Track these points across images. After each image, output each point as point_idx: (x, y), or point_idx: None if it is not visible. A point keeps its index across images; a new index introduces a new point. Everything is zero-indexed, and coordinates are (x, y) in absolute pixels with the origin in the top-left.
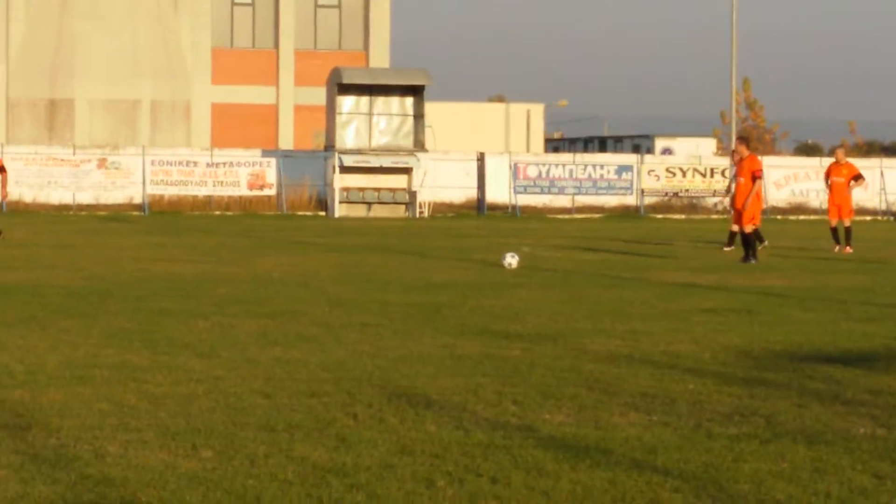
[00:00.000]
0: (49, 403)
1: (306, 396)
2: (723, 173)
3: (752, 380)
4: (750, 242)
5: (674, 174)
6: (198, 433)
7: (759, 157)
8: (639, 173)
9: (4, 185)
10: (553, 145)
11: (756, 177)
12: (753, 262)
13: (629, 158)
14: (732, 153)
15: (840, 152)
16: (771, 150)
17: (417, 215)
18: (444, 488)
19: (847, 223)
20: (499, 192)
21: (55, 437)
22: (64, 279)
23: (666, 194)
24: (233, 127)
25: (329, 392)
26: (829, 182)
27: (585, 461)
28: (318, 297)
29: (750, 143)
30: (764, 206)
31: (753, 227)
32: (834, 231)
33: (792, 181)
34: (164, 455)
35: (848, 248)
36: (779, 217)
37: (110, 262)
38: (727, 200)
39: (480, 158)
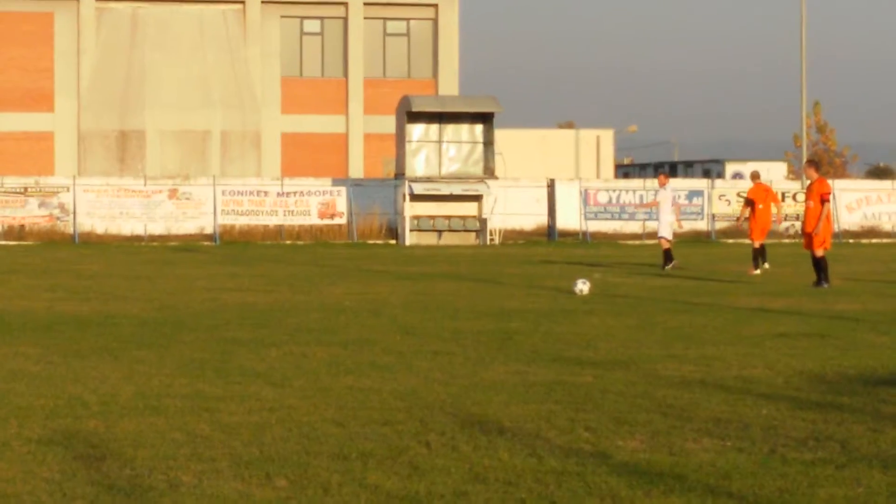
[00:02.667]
0: (123, 434)
1: (379, 425)
2: (793, 197)
3: (827, 404)
4: (822, 266)
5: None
6: (271, 462)
7: (829, 181)
8: (709, 198)
9: None
10: (623, 171)
11: (825, 200)
12: (826, 286)
13: (700, 183)
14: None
15: None
16: (842, 173)
17: (488, 242)
18: None
19: None
20: (569, 219)
21: (129, 467)
22: (136, 310)
23: (737, 219)
24: (303, 156)
25: (402, 420)
26: None
27: (659, 487)
28: (390, 326)
29: (819, 166)
30: (835, 229)
31: (825, 250)
32: None
33: (864, 204)
34: (237, 484)
35: None
36: (850, 241)
37: (182, 293)
38: (744, 225)
39: (550, 185)
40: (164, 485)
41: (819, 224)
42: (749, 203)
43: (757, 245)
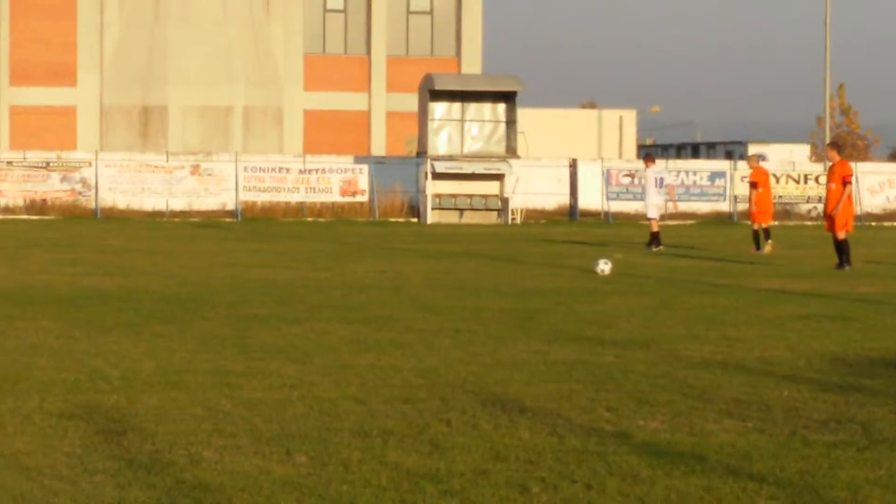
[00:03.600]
0: (144, 409)
1: (400, 402)
2: (816, 179)
3: (848, 386)
4: (844, 249)
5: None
6: (292, 439)
7: (852, 164)
8: (732, 180)
9: None
10: (646, 152)
11: (847, 182)
12: (848, 268)
13: (722, 165)
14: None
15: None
16: (865, 156)
17: (510, 222)
18: (538, 494)
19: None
20: (591, 199)
21: (150, 442)
22: (158, 285)
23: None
24: (325, 133)
25: (423, 398)
26: None
27: (680, 468)
28: (411, 304)
29: (841, 149)
30: (857, 212)
31: (846, 233)
32: None
33: (886, 187)
34: (258, 460)
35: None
36: (873, 223)
37: (204, 269)
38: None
39: (573, 165)
40: (185, 460)
41: (839, 206)
42: (753, 185)
43: (757, 227)
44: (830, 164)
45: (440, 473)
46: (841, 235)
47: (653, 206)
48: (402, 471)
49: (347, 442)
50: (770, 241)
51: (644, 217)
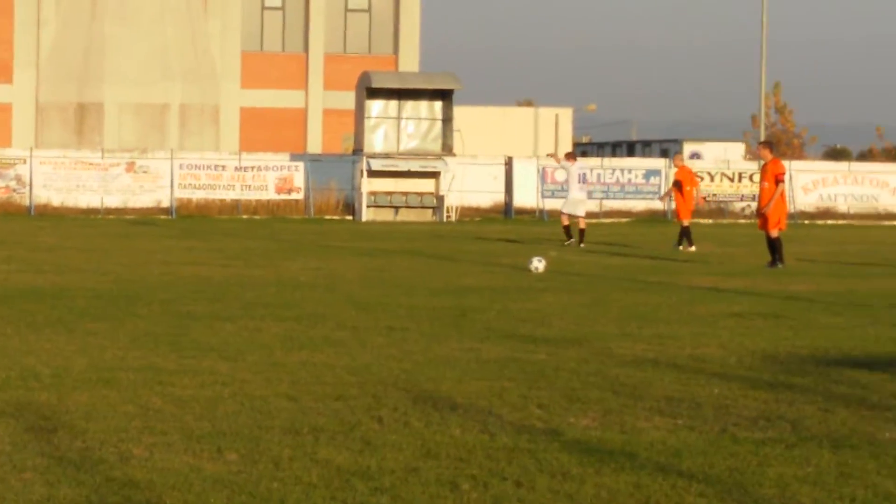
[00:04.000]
0: (75, 406)
1: (332, 400)
2: (751, 178)
3: (779, 384)
4: (776, 247)
5: (702, 178)
6: (223, 436)
7: (786, 162)
8: (667, 178)
9: None
10: (581, 149)
11: (779, 180)
12: (780, 266)
13: (657, 163)
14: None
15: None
16: (799, 154)
17: (445, 219)
18: (468, 492)
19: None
20: (527, 197)
21: (81, 439)
22: (91, 282)
23: (661, 197)
24: (261, 131)
25: (354, 395)
26: None
27: (610, 465)
28: (345, 301)
29: (773, 147)
30: (791, 210)
31: (779, 230)
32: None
33: (820, 186)
34: (189, 458)
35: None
36: (806, 222)
37: (138, 266)
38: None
39: (508, 163)
40: (115, 457)
41: (771, 203)
42: (677, 185)
43: (686, 224)
44: (763, 162)
45: (371, 471)
46: (773, 233)
47: (579, 203)
48: (333, 468)
49: (278, 439)
50: (693, 246)
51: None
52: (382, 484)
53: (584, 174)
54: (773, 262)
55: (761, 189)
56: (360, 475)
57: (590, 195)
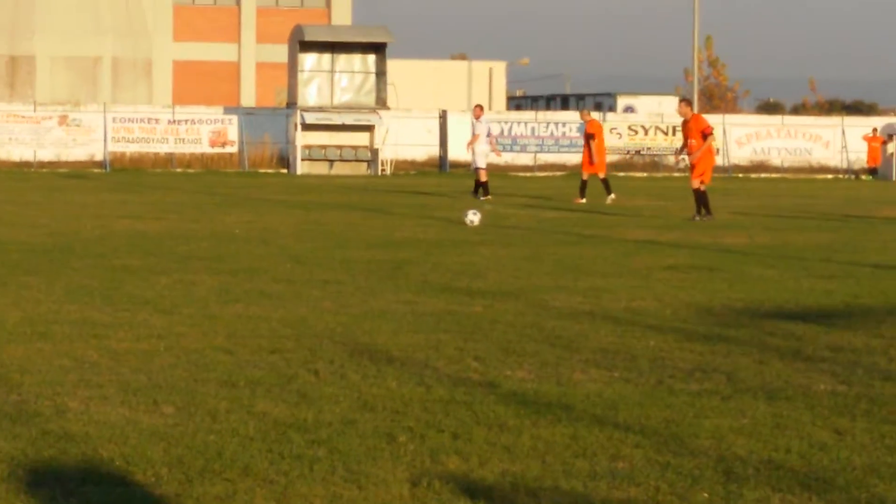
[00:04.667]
0: (9, 359)
1: (268, 353)
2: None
3: (714, 336)
4: (700, 199)
5: (636, 132)
6: (159, 389)
7: (720, 116)
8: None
9: None
10: (515, 103)
11: (706, 134)
12: (699, 219)
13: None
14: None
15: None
16: (733, 108)
17: (380, 173)
18: (405, 444)
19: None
20: (461, 150)
21: (16, 392)
22: (25, 236)
23: (628, 152)
24: (194, 84)
25: (290, 348)
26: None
27: (547, 417)
28: (280, 254)
29: (691, 103)
30: (724, 163)
31: (702, 183)
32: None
33: (753, 139)
34: (125, 411)
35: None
36: (740, 175)
37: (72, 220)
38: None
39: (442, 116)
40: (51, 410)
41: (698, 153)
42: (590, 137)
43: (587, 177)
44: (684, 119)
45: (307, 423)
46: (695, 185)
47: (482, 154)
48: (270, 421)
49: (215, 392)
50: (613, 194)
51: (518, 168)
52: (319, 436)
53: (490, 128)
54: (696, 214)
55: (689, 147)
56: (296, 428)
57: (524, 149)
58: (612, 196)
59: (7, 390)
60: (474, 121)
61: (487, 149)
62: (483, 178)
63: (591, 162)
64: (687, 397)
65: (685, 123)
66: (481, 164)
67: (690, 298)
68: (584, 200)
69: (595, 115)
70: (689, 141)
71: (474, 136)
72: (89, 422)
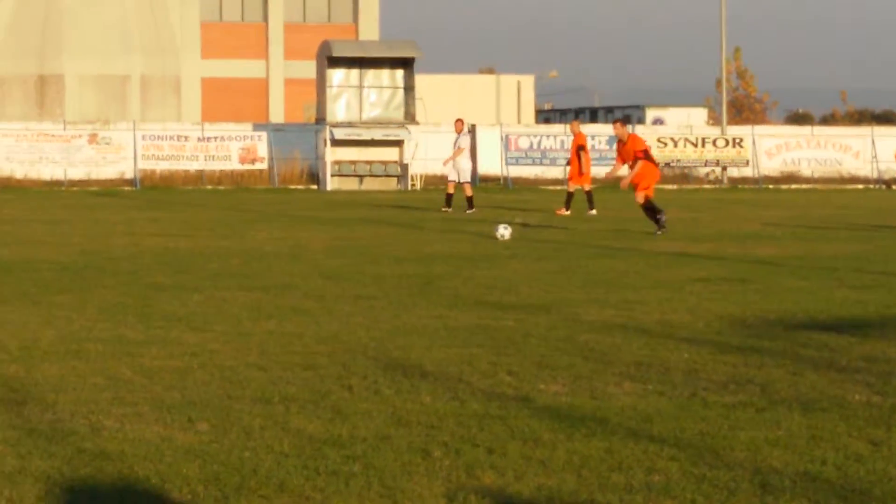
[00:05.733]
0: (44, 378)
1: (301, 369)
2: (714, 143)
3: (747, 348)
4: (651, 210)
5: (665, 144)
6: (193, 406)
7: (748, 127)
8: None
9: None
10: (544, 116)
11: (638, 157)
12: (660, 233)
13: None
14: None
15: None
16: (762, 119)
17: (409, 188)
18: (440, 459)
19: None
20: (490, 164)
21: (51, 411)
22: (56, 255)
23: (658, 164)
24: (223, 101)
25: (324, 364)
26: None
27: (581, 430)
28: (311, 271)
29: (626, 123)
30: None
31: (645, 197)
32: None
33: (783, 150)
34: (160, 428)
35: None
36: (770, 186)
37: (103, 238)
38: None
39: (471, 130)
40: (86, 429)
41: (632, 174)
42: (582, 149)
43: (574, 189)
44: (619, 140)
45: (342, 439)
46: (640, 200)
47: (467, 170)
48: (305, 437)
49: (249, 409)
50: (594, 210)
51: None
52: (354, 452)
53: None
54: (657, 230)
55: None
56: (331, 443)
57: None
58: (594, 211)
59: (42, 409)
60: (457, 135)
61: (470, 164)
62: (469, 192)
63: (580, 173)
64: (721, 409)
65: (621, 144)
66: (467, 178)
67: (723, 310)
68: (569, 212)
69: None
70: (625, 162)
71: (458, 150)
72: (124, 440)
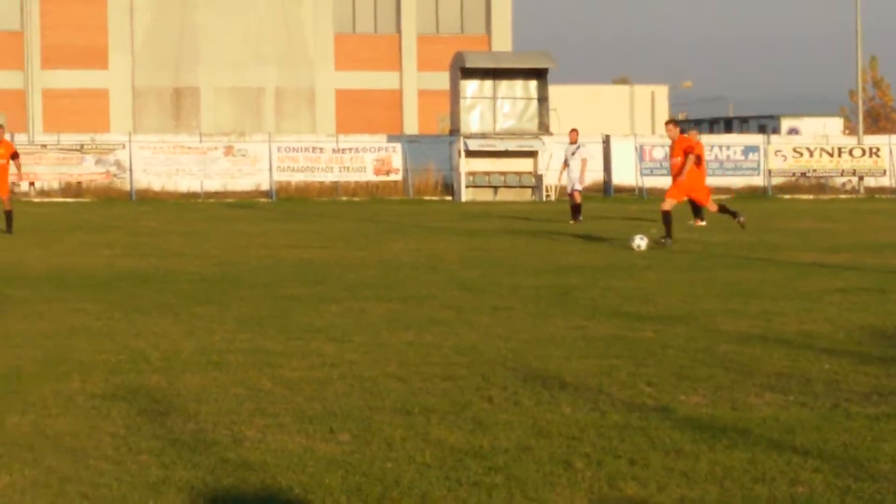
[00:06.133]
0: (186, 389)
1: (441, 380)
2: (850, 152)
3: (889, 359)
4: (666, 221)
5: (801, 154)
6: (334, 417)
7: (885, 136)
8: (765, 154)
9: (19, 169)
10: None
11: (688, 153)
12: (667, 242)
13: (755, 139)
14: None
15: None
16: None
17: (544, 198)
18: (582, 470)
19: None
20: (625, 175)
21: (193, 422)
22: (194, 266)
23: (793, 175)
24: (357, 112)
25: (463, 375)
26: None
27: (723, 441)
28: (448, 281)
29: (677, 123)
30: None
31: (673, 204)
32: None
33: None
34: (301, 439)
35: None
36: None
37: (240, 249)
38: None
39: (605, 141)
40: (229, 439)
41: (683, 172)
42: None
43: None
44: (672, 140)
45: (484, 450)
46: (666, 206)
47: (575, 179)
48: (446, 448)
49: (389, 420)
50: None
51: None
52: (496, 463)
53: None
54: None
55: (673, 164)
56: (473, 454)
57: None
58: (702, 222)
59: (184, 419)
60: (572, 145)
61: (577, 173)
62: (578, 199)
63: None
64: (865, 421)
65: (672, 143)
66: (577, 187)
67: (862, 321)
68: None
69: (757, 137)
70: (673, 160)
71: (583, 162)
72: (266, 450)
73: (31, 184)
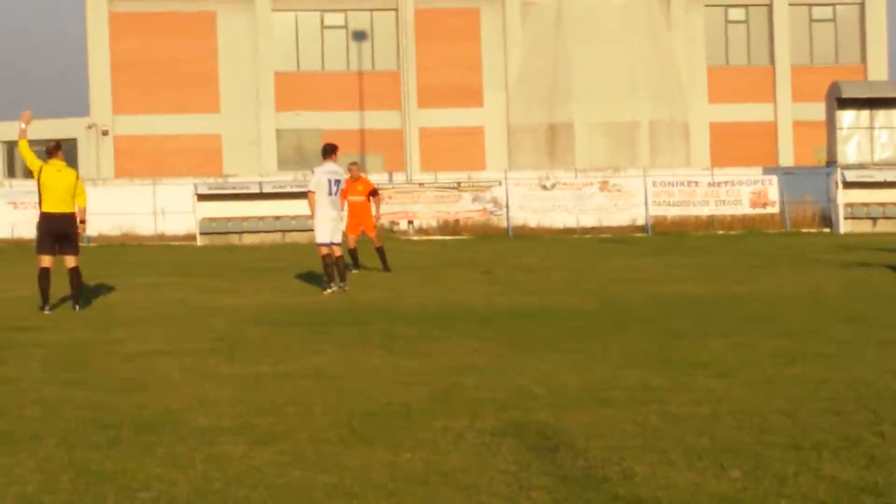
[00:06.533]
0: (574, 425)
1: (830, 414)
2: None
3: None
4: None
5: None
6: (724, 453)
7: None
8: None
9: (378, 206)
10: None
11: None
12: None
13: None
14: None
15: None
16: None
17: None
18: None
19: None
20: None
21: (582, 458)
22: (575, 302)
23: None
24: (731, 145)
25: (852, 410)
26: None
27: None
28: (832, 314)
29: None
30: None
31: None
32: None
33: None
34: (692, 475)
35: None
36: None
37: (618, 284)
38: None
39: None
40: (619, 475)
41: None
42: None
43: None
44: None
45: (878, 487)
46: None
47: None
48: (840, 484)
49: (780, 455)
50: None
51: None
52: (892, 500)
53: None
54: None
55: None
56: (867, 491)
57: None
58: None
59: (574, 456)
60: None
61: None
62: None
63: None
64: None
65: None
66: None
67: None
68: None
69: None
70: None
71: None
72: (657, 486)
73: (410, 222)
